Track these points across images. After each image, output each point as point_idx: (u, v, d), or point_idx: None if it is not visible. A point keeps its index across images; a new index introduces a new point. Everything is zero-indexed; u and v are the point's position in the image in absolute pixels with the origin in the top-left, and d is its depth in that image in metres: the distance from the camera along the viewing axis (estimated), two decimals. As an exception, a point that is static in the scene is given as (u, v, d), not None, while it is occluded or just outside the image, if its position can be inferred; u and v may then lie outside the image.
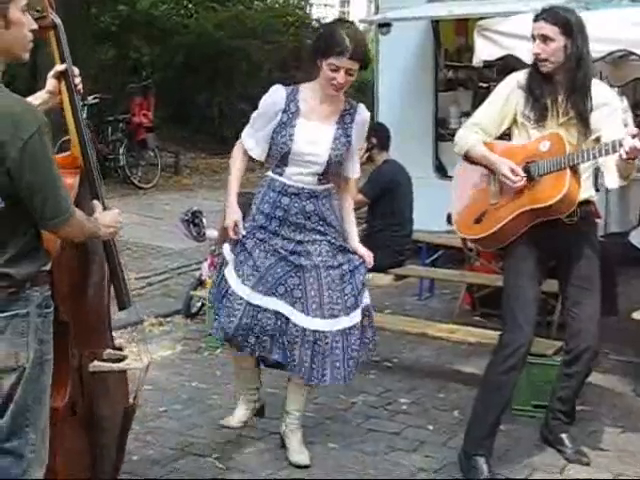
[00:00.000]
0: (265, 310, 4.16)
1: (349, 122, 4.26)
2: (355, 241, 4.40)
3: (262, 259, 4.20)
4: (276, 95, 4.25)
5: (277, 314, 4.17)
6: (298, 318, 4.15)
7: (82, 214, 3.06)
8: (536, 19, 4.18)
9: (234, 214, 4.29)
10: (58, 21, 3.37)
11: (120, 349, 3.84)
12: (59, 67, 3.39)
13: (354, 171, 4.45)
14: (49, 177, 2.84)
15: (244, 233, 4.24)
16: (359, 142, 4.46)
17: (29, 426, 2.93)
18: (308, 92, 4.24)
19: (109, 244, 3.50)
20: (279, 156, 4.21)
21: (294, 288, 4.17)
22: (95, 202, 3.34)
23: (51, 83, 3.42)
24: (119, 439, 3.75)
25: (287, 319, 4.16)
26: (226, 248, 4.37)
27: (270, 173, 4.30)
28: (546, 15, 4.15)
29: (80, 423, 3.46)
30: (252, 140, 4.33)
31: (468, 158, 4.36)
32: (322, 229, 4.25)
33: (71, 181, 3.35)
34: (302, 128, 4.18)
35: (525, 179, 4.13)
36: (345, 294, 4.21)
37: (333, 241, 4.27)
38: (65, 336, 3.29)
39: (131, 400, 3.78)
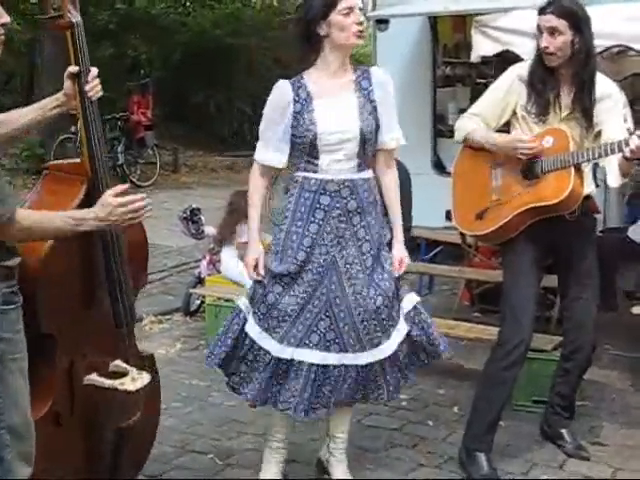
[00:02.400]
0: (299, 363, 3.77)
1: (368, 86, 3.81)
2: (397, 238, 3.99)
3: (288, 303, 3.78)
4: (281, 89, 3.80)
5: (311, 366, 3.77)
6: (334, 359, 3.78)
7: (34, 215, 2.90)
8: (543, 12, 4.10)
9: (255, 252, 3.87)
10: (76, 20, 3.27)
11: (151, 359, 3.79)
12: (72, 69, 3.31)
13: (395, 141, 3.93)
14: None
15: (263, 274, 3.83)
16: (388, 105, 3.88)
17: (3, 428, 2.84)
18: (313, 74, 3.80)
19: (110, 256, 3.36)
20: (307, 148, 3.74)
21: (327, 332, 3.77)
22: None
23: (66, 85, 3.34)
24: (113, 458, 3.59)
25: (324, 366, 3.78)
26: (242, 300, 3.96)
27: (300, 173, 3.81)
28: (554, 8, 4.06)
29: (71, 434, 3.38)
30: (269, 151, 3.84)
31: (469, 144, 4.36)
32: (362, 234, 3.81)
33: (75, 188, 3.27)
34: (321, 108, 3.73)
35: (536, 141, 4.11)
36: (382, 318, 3.82)
37: (370, 250, 3.83)
38: (50, 347, 3.22)
39: (129, 421, 3.56)
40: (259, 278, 3.85)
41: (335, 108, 3.76)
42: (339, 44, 3.73)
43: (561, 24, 4.04)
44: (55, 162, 3.65)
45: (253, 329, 3.86)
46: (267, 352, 3.81)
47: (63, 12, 3.24)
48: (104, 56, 16.08)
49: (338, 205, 3.75)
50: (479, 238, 4.87)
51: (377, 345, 3.83)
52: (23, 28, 14.65)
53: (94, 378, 3.42)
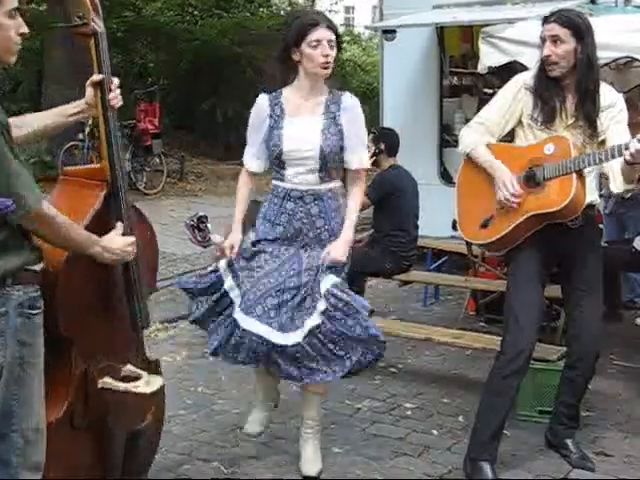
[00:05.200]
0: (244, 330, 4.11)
1: (336, 110, 4.18)
2: (341, 237, 4.19)
3: (249, 279, 4.16)
4: (259, 104, 4.29)
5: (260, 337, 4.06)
6: (276, 337, 4.05)
7: (63, 217, 2.95)
8: (546, 21, 4.17)
9: (234, 237, 4.29)
10: (99, 29, 3.32)
11: (156, 364, 3.81)
12: (95, 77, 3.35)
13: (357, 162, 4.25)
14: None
15: (234, 257, 4.22)
16: (355, 129, 4.22)
17: (15, 431, 2.86)
18: (290, 92, 4.24)
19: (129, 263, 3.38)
20: (276, 160, 4.20)
21: (271, 309, 4.07)
22: (118, 224, 3.28)
23: (88, 93, 3.37)
24: (125, 461, 3.61)
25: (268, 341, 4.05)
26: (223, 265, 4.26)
27: (273, 181, 4.29)
28: (557, 17, 4.14)
29: (85, 437, 3.39)
30: (252, 157, 4.36)
31: (470, 158, 4.38)
32: (326, 236, 4.18)
33: (94, 193, 3.31)
34: (290, 126, 4.17)
35: (520, 195, 4.13)
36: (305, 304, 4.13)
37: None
38: (67, 349, 3.24)
39: (142, 424, 3.63)
40: (233, 256, 4.22)
41: (301, 127, 4.17)
42: (308, 72, 4.15)
43: (563, 33, 4.11)
44: (71, 168, 3.67)
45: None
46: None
47: (87, 21, 3.28)
48: (111, 64, 16.15)
49: (301, 209, 4.19)
50: (484, 247, 4.89)
51: (300, 327, 4.07)
52: (30, 35, 14.72)
53: (108, 382, 3.44)
